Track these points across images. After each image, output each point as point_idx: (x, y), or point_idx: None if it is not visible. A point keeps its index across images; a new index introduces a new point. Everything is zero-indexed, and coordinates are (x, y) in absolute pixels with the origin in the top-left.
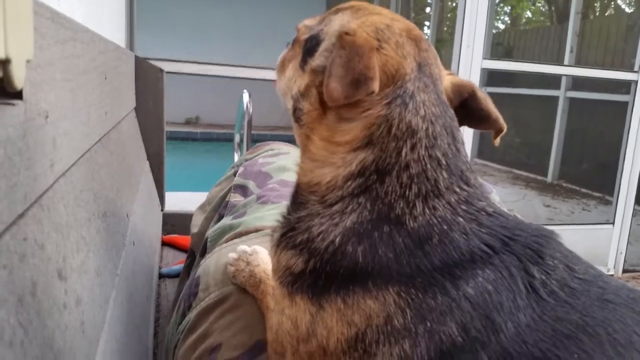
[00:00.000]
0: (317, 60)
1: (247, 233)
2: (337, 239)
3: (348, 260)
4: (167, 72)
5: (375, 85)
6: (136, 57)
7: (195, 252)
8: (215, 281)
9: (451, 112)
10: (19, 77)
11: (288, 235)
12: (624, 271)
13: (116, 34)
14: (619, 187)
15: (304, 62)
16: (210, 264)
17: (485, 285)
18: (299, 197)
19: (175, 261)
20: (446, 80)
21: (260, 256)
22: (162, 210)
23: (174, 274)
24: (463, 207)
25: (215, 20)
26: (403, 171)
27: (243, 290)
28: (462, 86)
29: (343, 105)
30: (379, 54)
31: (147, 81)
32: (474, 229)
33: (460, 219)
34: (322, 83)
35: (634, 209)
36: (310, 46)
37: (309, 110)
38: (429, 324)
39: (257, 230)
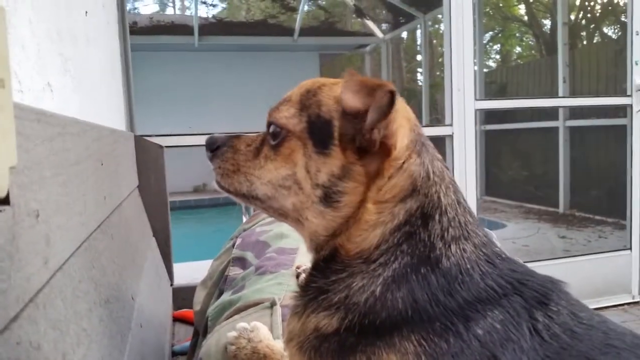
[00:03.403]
0: (368, 135)
1: (246, 308)
2: (378, 289)
3: (388, 308)
4: (167, 147)
5: (390, 87)
6: (135, 137)
7: (199, 331)
8: None
9: None
10: (2, 185)
11: (320, 299)
12: None
13: (116, 116)
14: (631, 211)
15: (322, 145)
16: (212, 345)
17: (493, 325)
18: (336, 264)
19: (188, 336)
20: None
21: (262, 331)
22: (171, 285)
23: (187, 351)
24: (483, 249)
25: (213, 88)
26: (443, 215)
27: None
28: None
29: (390, 161)
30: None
31: (148, 159)
32: (489, 271)
33: (480, 261)
34: (366, 157)
35: None
36: (319, 130)
37: (355, 186)
38: None
39: (256, 304)
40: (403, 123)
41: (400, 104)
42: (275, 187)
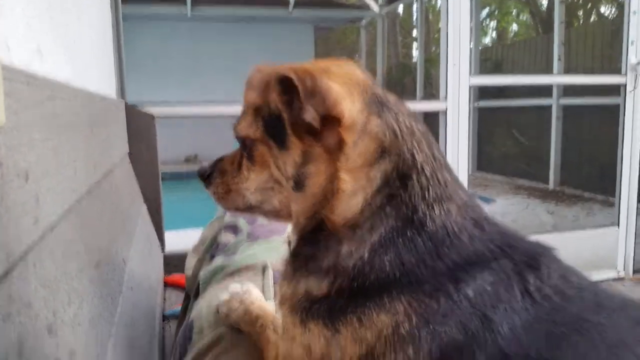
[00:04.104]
0: (305, 118)
1: (238, 272)
2: (366, 254)
3: (376, 271)
4: (159, 117)
5: (282, 71)
6: (127, 105)
7: (190, 295)
8: (209, 323)
9: None
10: None
11: (310, 264)
12: (635, 272)
13: (107, 84)
14: (620, 188)
15: (280, 141)
16: (203, 307)
17: (484, 286)
18: (322, 233)
19: (179, 302)
20: None
21: (254, 293)
22: (162, 251)
23: (178, 315)
24: (469, 212)
25: (206, 57)
26: (420, 173)
27: (237, 330)
28: None
29: (346, 129)
30: (330, 74)
31: (139, 127)
32: (478, 234)
33: (468, 224)
34: (320, 135)
35: (638, 208)
36: (272, 125)
37: (317, 165)
38: (431, 327)
39: (248, 268)
40: (346, 90)
41: (341, 71)
42: (262, 192)
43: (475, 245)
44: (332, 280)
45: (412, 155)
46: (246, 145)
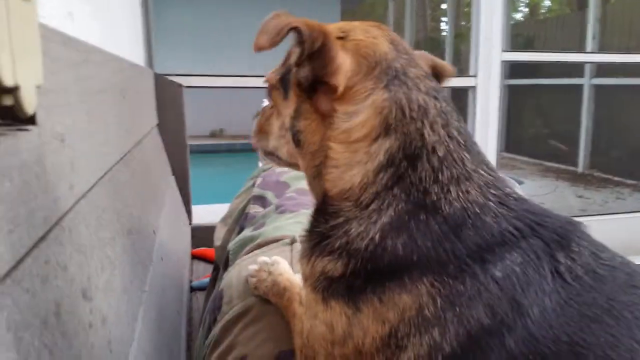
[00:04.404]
0: (299, 74)
1: (266, 244)
2: (377, 236)
3: (389, 254)
4: (187, 87)
5: (294, 23)
6: (155, 74)
7: (219, 265)
8: (238, 293)
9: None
10: (29, 102)
11: (323, 244)
12: None
13: (135, 52)
14: None
15: (285, 93)
16: (233, 277)
17: (513, 268)
18: (329, 207)
19: (206, 274)
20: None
21: (282, 265)
22: (190, 224)
23: (205, 286)
24: (492, 191)
25: (234, 29)
26: (432, 154)
27: (265, 301)
28: (423, 55)
29: (341, 100)
30: (346, 41)
31: (167, 97)
32: (504, 213)
33: (491, 203)
34: (315, 96)
35: None
36: (285, 78)
37: (307, 125)
38: (457, 309)
39: (276, 240)
40: (355, 61)
41: (361, 37)
42: (277, 139)
43: (502, 225)
44: (347, 262)
45: (422, 135)
46: (269, 91)
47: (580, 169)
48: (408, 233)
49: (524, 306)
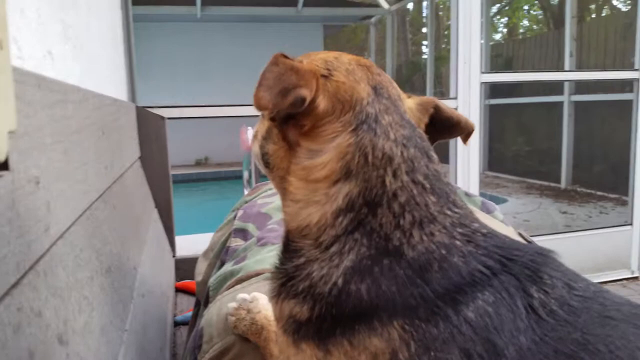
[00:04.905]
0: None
1: (247, 278)
2: (340, 280)
3: (353, 299)
4: (169, 119)
5: (304, 92)
6: (137, 107)
7: (200, 301)
8: (218, 332)
9: (419, 131)
10: (1, 149)
11: (288, 285)
12: None
13: (117, 87)
14: (634, 187)
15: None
16: (213, 314)
17: (485, 308)
18: (292, 244)
19: (191, 307)
20: (408, 101)
21: (261, 302)
22: (173, 256)
23: (189, 321)
24: (459, 229)
25: (216, 60)
26: (392, 200)
27: (245, 339)
28: (425, 102)
29: (307, 137)
30: (328, 81)
31: (150, 130)
32: (472, 251)
33: (458, 242)
34: (281, 121)
35: None
36: None
37: (274, 150)
38: (432, 354)
39: (257, 274)
40: (329, 105)
41: (343, 79)
42: (258, 154)
43: (471, 265)
44: (312, 305)
45: (383, 182)
46: None
47: (563, 185)
48: (372, 278)
49: (499, 346)
